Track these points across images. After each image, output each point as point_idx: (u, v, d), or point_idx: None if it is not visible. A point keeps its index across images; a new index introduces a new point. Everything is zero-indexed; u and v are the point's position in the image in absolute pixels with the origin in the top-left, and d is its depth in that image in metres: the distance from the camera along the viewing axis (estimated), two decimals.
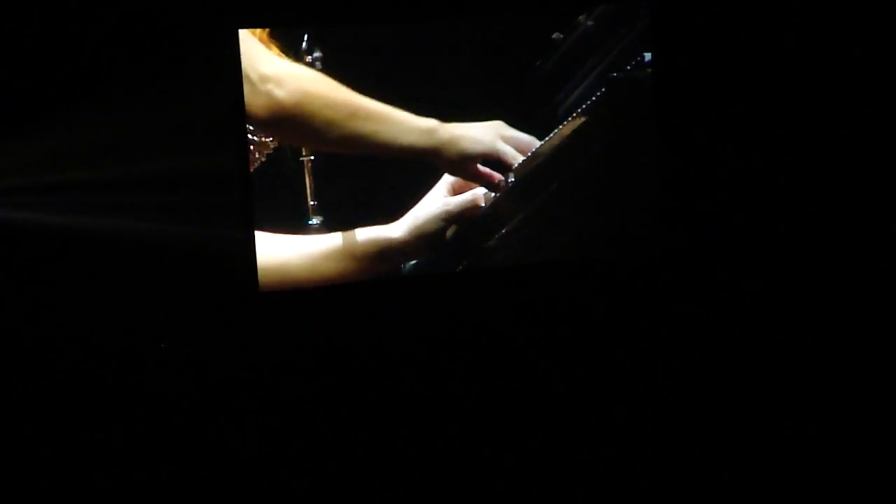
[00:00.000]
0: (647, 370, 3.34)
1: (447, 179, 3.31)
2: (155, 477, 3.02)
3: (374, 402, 3.25)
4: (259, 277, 3.19)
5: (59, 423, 3.07)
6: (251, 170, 3.20)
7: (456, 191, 3.32)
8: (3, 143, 3.07)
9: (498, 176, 3.29)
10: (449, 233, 3.31)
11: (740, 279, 3.46)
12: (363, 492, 3.05)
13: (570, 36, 3.35)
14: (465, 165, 3.26)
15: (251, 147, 3.19)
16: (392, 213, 3.27)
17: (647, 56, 3.37)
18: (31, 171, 3.10)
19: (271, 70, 3.13)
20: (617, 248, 3.45)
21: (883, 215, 3.45)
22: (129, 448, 3.06)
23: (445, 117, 3.25)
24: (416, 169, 3.28)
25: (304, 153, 3.24)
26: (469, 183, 3.31)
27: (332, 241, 3.24)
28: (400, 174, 3.29)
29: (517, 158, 3.29)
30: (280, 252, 3.21)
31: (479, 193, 3.31)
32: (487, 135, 3.28)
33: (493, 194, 3.31)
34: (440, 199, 3.29)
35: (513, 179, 3.30)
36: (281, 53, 3.18)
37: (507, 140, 3.30)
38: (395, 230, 3.27)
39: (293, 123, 3.16)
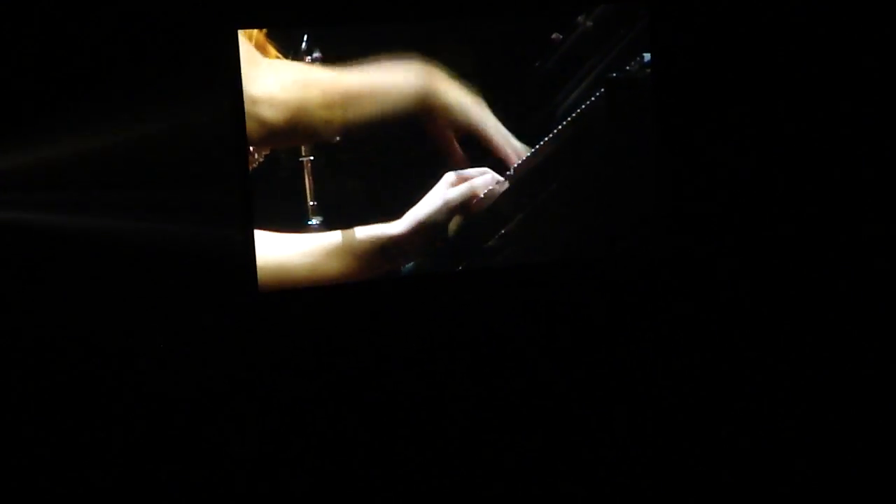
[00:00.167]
0: (647, 370, 3.34)
1: (448, 179, 3.31)
2: (154, 476, 3.01)
3: (373, 402, 3.24)
4: (259, 277, 3.19)
5: (58, 422, 3.07)
6: (250, 170, 3.20)
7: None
8: (2, 144, 3.07)
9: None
10: (451, 227, 3.31)
11: (739, 279, 3.47)
12: (363, 492, 3.05)
13: (569, 36, 3.36)
14: (451, 135, 3.29)
15: (250, 148, 3.19)
16: (392, 214, 3.28)
17: (647, 56, 3.38)
18: (30, 172, 3.09)
19: (261, 91, 3.14)
20: (617, 248, 3.45)
21: (882, 215, 3.45)
22: (128, 447, 3.06)
23: None
24: (416, 170, 3.30)
25: (303, 153, 3.25)
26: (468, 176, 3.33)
27: (333, 239, 3.24)
28: (400, 175, 3.29)
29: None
30: (280, 251, 3.21)
31: (477, 184, 3.31)
32: (476, 108, 3.29)
33: (492, 187, 3.31)
34: (440, 193, 3.30)
35: (511, 173, 3.32)
36: (279, 55, 3.18)
37: None
38: (396, 227, 3.26)
39: (289, 135, 3.19)
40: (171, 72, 3.13)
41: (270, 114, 3.14)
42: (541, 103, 3.36)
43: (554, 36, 3.35)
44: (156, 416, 3.10)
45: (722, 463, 3.06)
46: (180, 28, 3.14)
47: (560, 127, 3.33)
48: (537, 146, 3.34)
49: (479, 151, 3.32)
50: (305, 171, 3.25)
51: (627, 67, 3.37)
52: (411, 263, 3.33)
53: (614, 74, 3.36)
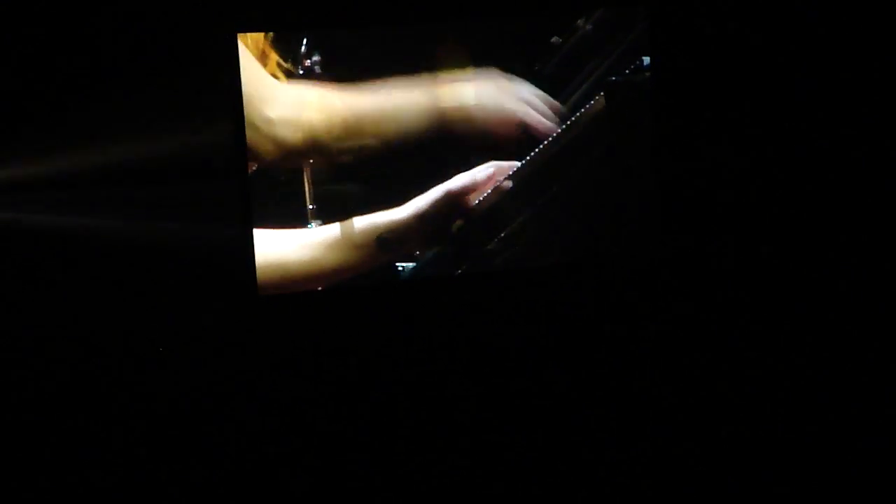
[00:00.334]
0: (648, 372, 3.34)
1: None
2: (154, 478, 3.00)
3: (373, 406, 3.24)
4: (259, 272, 3.19)
5: (57, 424, 3.06)
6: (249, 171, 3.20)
7: None
8: (3, 145, 3.08)
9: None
10: (454, 228, 3.31)
11: (738, 281, 3.47)
12: (363, 494, 3.04)
13: (568, 40, 3.37)
14: (475, 147, 3.30)
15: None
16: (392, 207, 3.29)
17: (646, 60, 3.39)
18: (30, 173, 3.10)
19: (276, 114, 3.15)
20: (616, 251, 3.45)
21: (882, 215, 3.45)
22: (127, 448, 3.05)
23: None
24: (416, 172, 3.30)
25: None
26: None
27: (332, 230, 3.24)
28: (400, 177, 3.30)
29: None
30: (279, 246, 3.20)
31: (478, 175, 3.31)
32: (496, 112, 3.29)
33: (495, 183, 3.31)
34: (442, 184, 3.30)
35: (511, 176, 3.33)
36: (280, 60, 3.19)
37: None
38: (397, 214, 3.26)
39: (306, 154, 3.20)
40: (172, 75, 3.14)
41: (287, 135, 3.16)
42: None
43: (553, 39, 3.36)
44: (155, 418, 3.10)
45: (722, 463, 3.05)
46: (180, 32, 3.15)
47: (560, 130, 3.34)
48: (537, 149, 3.34)
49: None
50: (304, 175, 3.25)
51: (627, 71, 3.37)
52: (411, 266, 3.33)
53: (614, 78, 3.36)
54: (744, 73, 3.48)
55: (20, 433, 3.04)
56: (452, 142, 3.30)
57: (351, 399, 3.25)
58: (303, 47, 3.21)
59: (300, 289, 3.25)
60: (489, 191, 3.32)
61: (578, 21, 3.37)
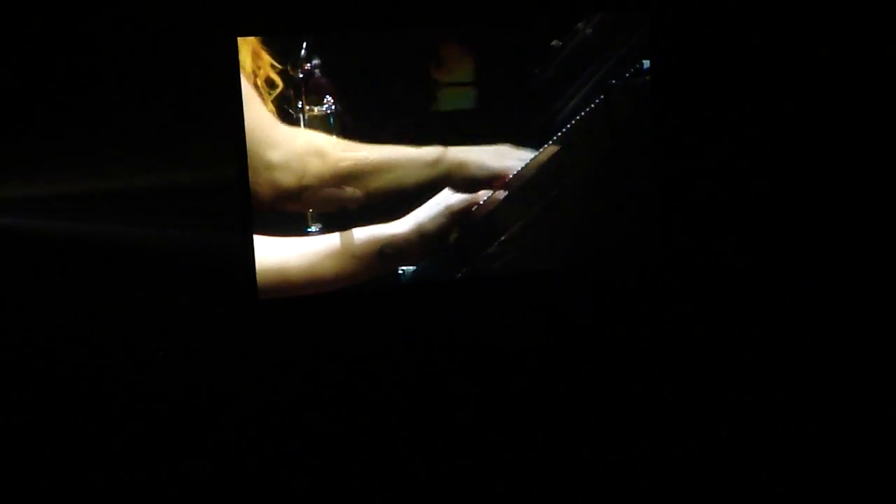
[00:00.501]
0: (648, 373, 3.35)
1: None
2: (153, 479, 3.01)
3: (373, 409, 3.24)
4: (258, 280, 3.19)
5: (60, 428, 3.06)
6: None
7: None
8: (3, 150, 3.07)
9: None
10: (451, 237, 3.31)
11: (738, 284, 3.48)
12: (364, 497, 3.04)
13: (569, 43, 3.36)
14: (473, 189, 3.32)
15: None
16: (392, 218, 3.28)
17: (646, 64, 3.38)
18: (30, 179, 3.10)
19: (277, 158, 3.16)
20: (616, 255, 3.45)
21: (882, 215, 3.46)
22: (128, 451, 3.06)
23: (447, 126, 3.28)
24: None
25: None
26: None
27: (332, 239, 3.24)
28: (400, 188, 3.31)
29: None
30: (279, 253, 3.21)
31: (480, 193, 3.32)
32: (494, 159, 3.30)
33: (493, 194, 3.32)
34: (442, 197, 3.30)
35: (511, 179, 3.33)
36: (274, 63, 3.18)
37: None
38: (397, 227, 3.27)
39: (299, 199, 3.20)
40: (171, 79, 3.13)
41: (284, 178, 3.17)
42: (541, 110, 3.36)
43: (553, 43, 3.36)
44: (157, 421, 3.10)
45: (722, 462, 3.06)
46: (180, 36, 3.15)
47: (560, 133, 3.34)
48: (537, 153, 3.33)
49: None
50: None
51: (627, 74, 3.37)
52: (411, 270, 3.33)
53: (614, 81, 3.37)
54: (743, 77, 3.48)
55: (23, 437, 3.04)
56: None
57: (351, 402, 3.26)
58: (302, 51, 3.21)
59: (300, 293, 3.25)
60: (490, 194, 3.32)
61: (579, 25, 3.36)
